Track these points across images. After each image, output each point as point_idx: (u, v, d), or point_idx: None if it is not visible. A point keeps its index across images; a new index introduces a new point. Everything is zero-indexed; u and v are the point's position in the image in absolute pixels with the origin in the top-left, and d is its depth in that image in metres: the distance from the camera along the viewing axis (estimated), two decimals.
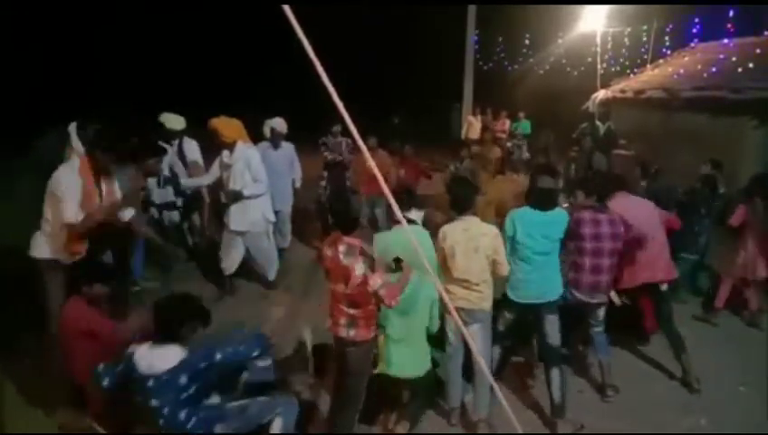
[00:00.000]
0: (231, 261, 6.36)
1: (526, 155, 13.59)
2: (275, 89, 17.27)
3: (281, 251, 7.56)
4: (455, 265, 4.02)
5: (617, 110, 11.80)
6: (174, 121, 6.60)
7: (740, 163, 7.92)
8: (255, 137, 6.92)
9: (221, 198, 6.40)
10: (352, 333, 3.69)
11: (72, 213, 4.27)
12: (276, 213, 7.14)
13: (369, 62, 19.17)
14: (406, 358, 3.92)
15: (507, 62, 21.16)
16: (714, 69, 10.56)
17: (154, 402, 3.29)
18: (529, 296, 4.29)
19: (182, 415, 3.32)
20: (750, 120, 8.80)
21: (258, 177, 6.08)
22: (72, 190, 4.29)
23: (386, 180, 8.08)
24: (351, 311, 3.67)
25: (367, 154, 2.93)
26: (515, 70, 21.19)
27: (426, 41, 19.94)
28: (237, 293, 6.54)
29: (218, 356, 3.36)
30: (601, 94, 13.02)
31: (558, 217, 4.31)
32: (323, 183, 7.54)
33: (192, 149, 6.73)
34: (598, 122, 10.87)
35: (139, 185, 5.59)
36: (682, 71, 11.56)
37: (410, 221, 4.06)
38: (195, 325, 3.44)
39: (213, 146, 6.17)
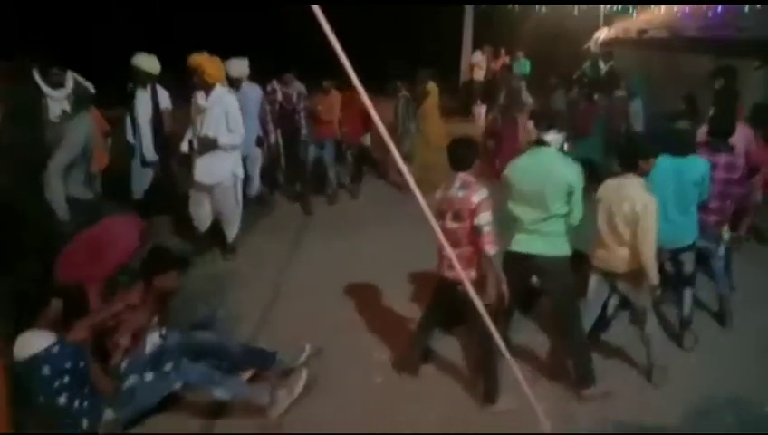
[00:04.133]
0: (201, 218, 6.02)
1: (526, 95, 13.39)
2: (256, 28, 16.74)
3: (247, 200, 7.13)
4: (598, 222, 3.99)
5: (619, 50, 11.59)
6: (151, 64, 6.18)
7: (743, 103, 7.83)
8: None
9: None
10: (452, 274, 3.69)
11: None
12: (244, 159, 6.61)
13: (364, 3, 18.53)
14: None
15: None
16: (718, 8, 10.31)
17: (29, 387, 3.32)
18: (665, 242, 4.22)
19: (62, 400, 3.32)
20: (754, 60, 8.66)
21: (234, 127, 5.66)
22: None
23: (328, 122, 7.91)
24: (453, 252, 3.63)
25: (364, 96, 2.87)
26: (516, 9, 20.62)
27: None
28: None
29: (82, 364, 3.41)
30: (604, 34, 12.76)
31: (692, 163, 4.28)
32: (270, 127, 7.27)
33: (165, 97, 6.42)
34: (600, 62, 10.70)
35: (102, 128, 5.41)
36: (687, 10, 11.28)
37: (545, 143, 3.91)
38: (55, 308, 3.51)
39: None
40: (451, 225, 3.68)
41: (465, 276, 3.62)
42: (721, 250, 4.80)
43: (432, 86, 8.44)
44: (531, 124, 3.96)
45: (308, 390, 3.97)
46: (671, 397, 4.06)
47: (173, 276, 3.94)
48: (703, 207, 4.48)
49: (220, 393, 3.59)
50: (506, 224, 4.06)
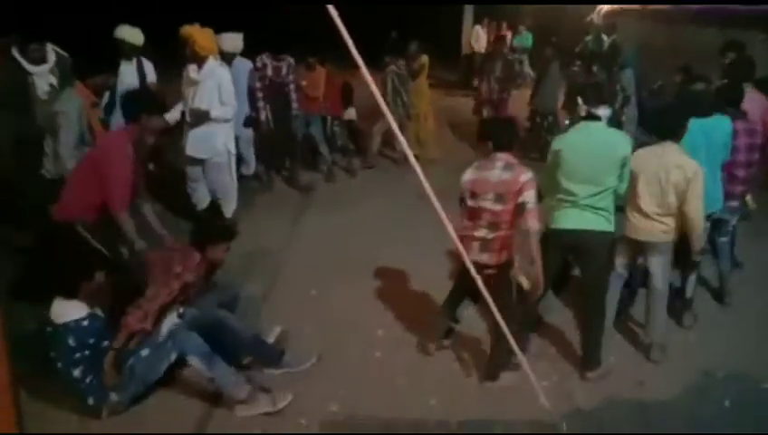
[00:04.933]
0: (199, 195, 5.96)
1: (528, 70, 13.29)
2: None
3: (244, 178, 7.09)
4: (636, 192, 3.93)
5: (622, 22, 11.46)
6: (135, 36, 5.97)
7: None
8: None
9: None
10: (485, 257, 3.62)
11: None
12: (236, 139, 6.31)
13: None
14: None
15: None
16: None
17: (51, 353, 3.36)
18: None
19: (76, 373, 3.34)
20: (759, 33, 8.59)
21: (227, 100, 5.58)
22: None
23: (314, 98, 7.55)
24: (489, 235, 3.61)
25: (365, 71, 2.82)
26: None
27: None
28: None
29: (105, 343, 3.42)
30: (606, 6, 12.60)
31: (718, 122, 4.28)
32: (261, 104, 7.05)
33: (150, 69, 6.25)
34: (603, 35, 10.59)
35: (89, 100, 5.27)
36: None
37: (596, 118, 3.84)
38: (98, 281, 3.41)
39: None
40: (493, 207, 3.57)
41: (498, 259, 3.64)
42: (733, 223, 4.78)
43: (425, 59, 8.35)
44: (579, 100, 3.88)
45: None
46: (670, 374, 4.08)
47: (223, 248, 3.94)
48: (730, 177, 4.46)
49: (208, 372, 3.53)
50: (548, 201, 4.01)
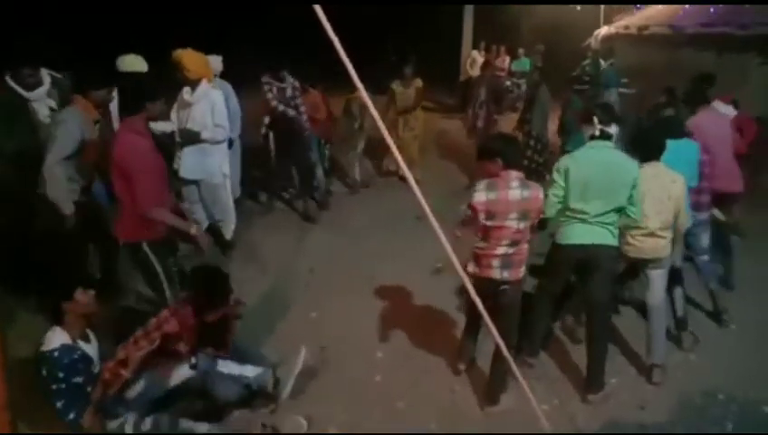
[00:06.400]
0: (198, 218, 5.80)
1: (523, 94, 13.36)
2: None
3: (243, 199, 7.07)
4: (642, 213, 3.94)
5: (620, 46, 11.56)
6: (138, 63, 5.91)
7: (745, 100, 7.81)
8: None
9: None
10: (506, 274, 3.61)
11: None
12: None
13: None
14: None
15: None
16: (720, 5, 10.29)
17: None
18: None
19: (59, 405, 3.26)
20: (756, 56, 8.67)
21: (220, 122, 5.57)
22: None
23: (316, 120, 7.52)
24: (510, 250, 3.58)
25: (365, 97, 2.84)
26: (516, 5, 20.53)
27: None
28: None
29: (78, 380, 3.30)
30: (604, 30, 12.71)
31: (688, 144, 4.54)
32: (264, 129, 7.15)
33: None
34: (600, 60, 10.66)
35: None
36: (687, 6, 11.26)
37: (609, 137, 3.88)
38: (82, 302, 3.36)
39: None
40: (518, 225, 3.52)
41: (517, 274, 3.66)
42: (705, 241, 4.90)
43: (419, 83, 8.34)
44: (595, 118, 3.88)
45: (308, 386, 4.00)
46: (671, 396, 4.05)
47: (216, 315, 3.68)
48: (697, 190, 4.62)
49: None
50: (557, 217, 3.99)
